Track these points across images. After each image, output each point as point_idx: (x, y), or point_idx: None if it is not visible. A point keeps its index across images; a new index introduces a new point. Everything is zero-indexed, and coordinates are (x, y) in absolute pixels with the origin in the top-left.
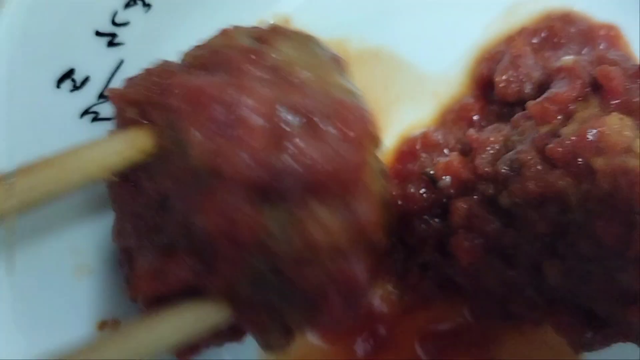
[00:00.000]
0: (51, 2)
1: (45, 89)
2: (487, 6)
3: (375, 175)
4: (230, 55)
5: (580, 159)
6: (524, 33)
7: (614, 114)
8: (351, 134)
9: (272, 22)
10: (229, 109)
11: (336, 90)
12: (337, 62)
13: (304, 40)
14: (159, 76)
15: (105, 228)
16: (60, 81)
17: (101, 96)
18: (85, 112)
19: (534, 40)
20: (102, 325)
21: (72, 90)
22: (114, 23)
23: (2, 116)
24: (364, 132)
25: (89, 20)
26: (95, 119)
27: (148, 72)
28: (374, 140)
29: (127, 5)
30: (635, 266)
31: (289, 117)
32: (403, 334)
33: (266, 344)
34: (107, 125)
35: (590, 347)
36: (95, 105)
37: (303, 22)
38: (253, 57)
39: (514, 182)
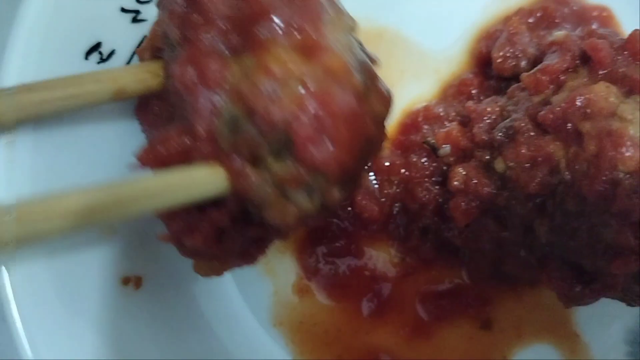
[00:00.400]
0: None
1: (75, 60)
2: None
3: (347, 53)
4: None
5: (569, 124)
6: (520, 13)
7: (601, 82)
8: None
9: None
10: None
11: None
12: None
13: None
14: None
15: None
16: (88, 53)
17: None
18: None
19: (530, 20)
20: (126, 280)
21: (99, 62)
22: (138, 1)
23: None
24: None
25: None
26: None
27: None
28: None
29: None
30: (617, 221)
31: None
32: (405, 294)
33: (271, 208)
34: None
35: (579, 301)
36: None
37: None
38: None
39: (508, 148)
